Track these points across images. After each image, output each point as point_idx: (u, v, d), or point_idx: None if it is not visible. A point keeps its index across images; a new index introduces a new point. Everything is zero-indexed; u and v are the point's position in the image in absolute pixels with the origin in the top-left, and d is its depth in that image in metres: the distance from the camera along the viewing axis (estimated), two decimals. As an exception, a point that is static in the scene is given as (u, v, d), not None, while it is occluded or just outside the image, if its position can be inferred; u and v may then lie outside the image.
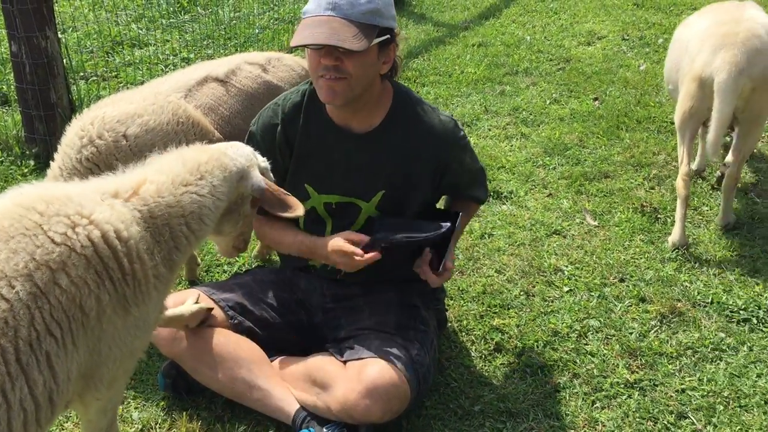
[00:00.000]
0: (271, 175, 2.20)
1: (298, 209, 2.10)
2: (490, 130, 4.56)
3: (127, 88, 4.63)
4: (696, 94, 3.18)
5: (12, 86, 4.67)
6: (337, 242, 2.33)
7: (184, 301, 2.43)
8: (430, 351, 2.44)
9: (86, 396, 1.77)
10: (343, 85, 2.21)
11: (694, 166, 3.83)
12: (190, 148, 2.02)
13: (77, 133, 2.55)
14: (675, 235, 3.34)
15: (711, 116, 3.09)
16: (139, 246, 1.73)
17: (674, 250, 3.32)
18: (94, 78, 5.16)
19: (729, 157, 3.35)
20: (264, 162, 2.16)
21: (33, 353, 1.53)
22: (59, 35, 4.09)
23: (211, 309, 2.45)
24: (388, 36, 2.24)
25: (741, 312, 2.93)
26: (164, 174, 1.86)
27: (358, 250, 2.29)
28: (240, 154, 2.05)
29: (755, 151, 4.00)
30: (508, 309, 2.99)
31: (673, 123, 4.43)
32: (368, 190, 2.43)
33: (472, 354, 2.76)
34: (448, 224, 2.36)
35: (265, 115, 2.51)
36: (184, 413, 2.44)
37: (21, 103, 4.14)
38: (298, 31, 2.20)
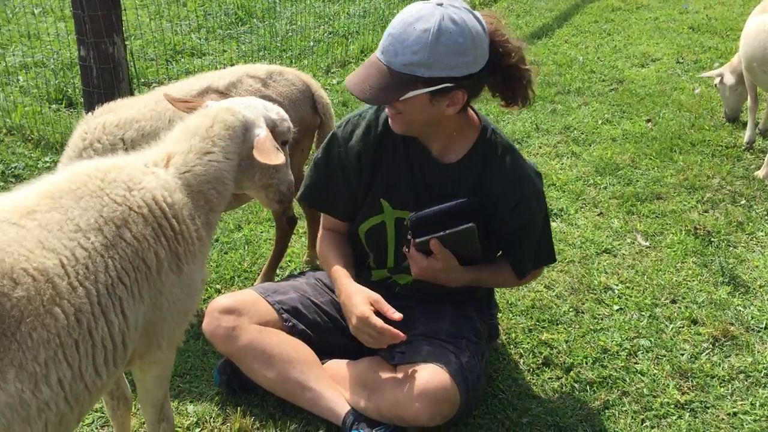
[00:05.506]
0: (289, 124, 2.21)
1: (279, 161, 2.05)
2: (540, 147, 4.57)
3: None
4: None
5: (78, 89, 4.85)
6: (365, 311, 2.29)
7: (242, 302, 2.51)
8: (480, 361, 2.46)
9: (147, 356, 1.93)
10: (398, 119, 2.27)
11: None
12: (193, 115, 2.10)
13: (80, 136, 2.72)
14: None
15: None
16: (183, 211, 1.91)
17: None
18: (155, 84, 5.31)
19: None
20: (277, 113, 2.17)
21: (109, 297, 1.71)
22: (125, 42, 4.23)
23: None
24: (450, 84, 2.13)
25: (796, 338, 2.89)
26: (183, 147, 2.01)
27: (386, 327, 2.26)
28: (246, 105, 2.11)
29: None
30: (557, 324, 2.99)
31: (728, 147, 4.45)
32: None
33: (521, 367, 2.77)
34: (468, 200, 2.30)
35: (359, 126, 2.46)
36: (238, 409, 2.50)
37: (86, 105, 4.27)
38: None
